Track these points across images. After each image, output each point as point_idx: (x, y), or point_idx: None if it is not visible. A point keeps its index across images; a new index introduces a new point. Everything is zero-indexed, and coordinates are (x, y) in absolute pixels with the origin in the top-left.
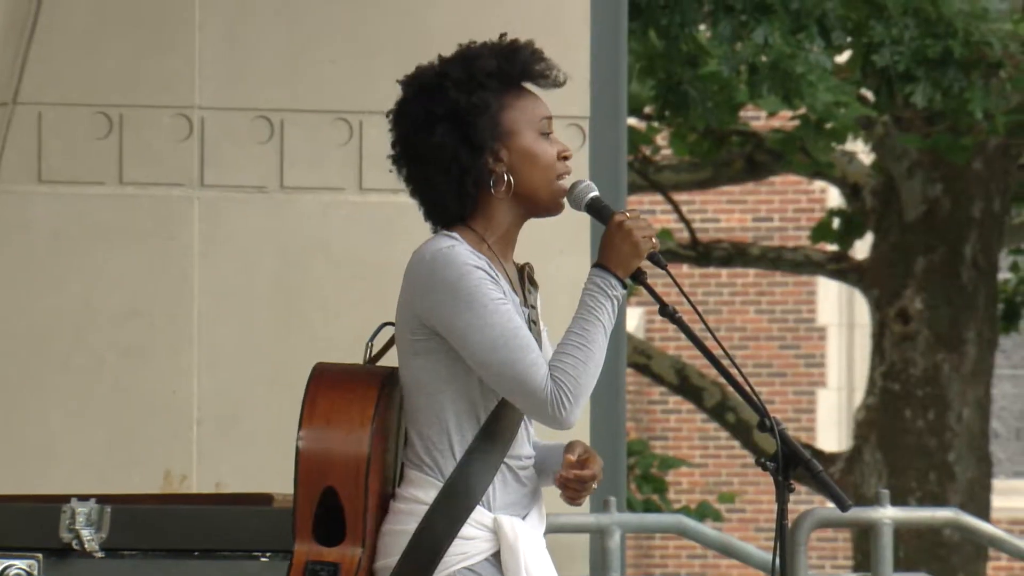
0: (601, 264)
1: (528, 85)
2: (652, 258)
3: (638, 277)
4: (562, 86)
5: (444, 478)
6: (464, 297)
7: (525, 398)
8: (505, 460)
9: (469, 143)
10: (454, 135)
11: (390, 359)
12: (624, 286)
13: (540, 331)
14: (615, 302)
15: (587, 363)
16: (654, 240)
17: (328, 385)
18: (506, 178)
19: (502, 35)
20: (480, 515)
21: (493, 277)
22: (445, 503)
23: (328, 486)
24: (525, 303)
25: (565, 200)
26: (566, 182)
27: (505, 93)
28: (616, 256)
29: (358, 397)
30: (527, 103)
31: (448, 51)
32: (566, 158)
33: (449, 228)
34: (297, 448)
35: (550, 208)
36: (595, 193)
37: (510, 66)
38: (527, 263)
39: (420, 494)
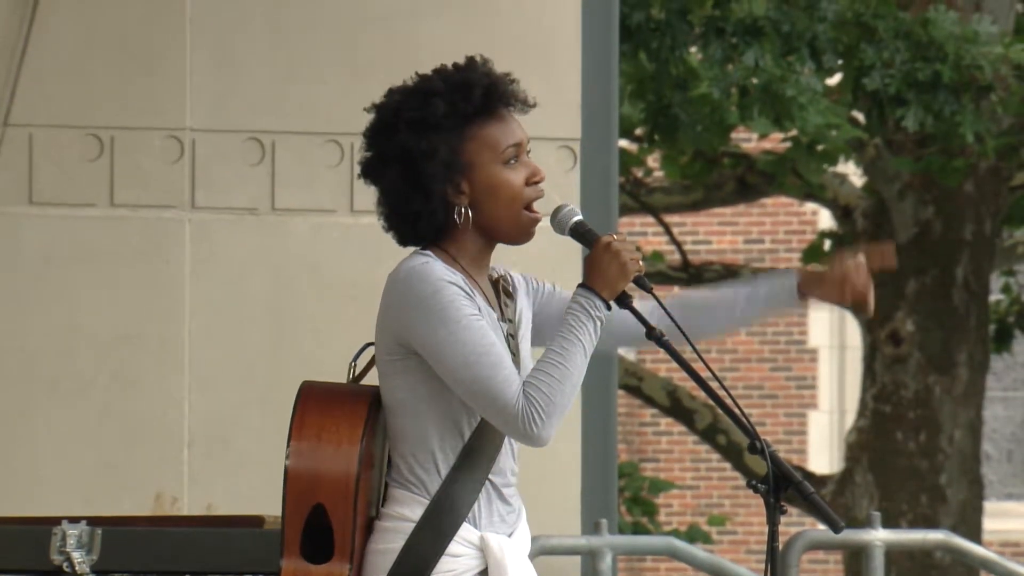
0: (587, 284)
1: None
2: (638, 281)
3: (623, 301)
4: (532, 107)
5: (430, 496)
6: (438, 313)
7: (497, 414)
8: (489, 477)
9: (420, 187)
10: (404, 178)
11: (373, 378)
12: (608, 307)
13: (519, 344)
14: (597, 323)
15: (563, 382)
16: (640, 263)
17: (316, 403)
18: (464, 211)
19: (468, 60)
20: (467, 532)
21: (468, 293)
22: (432, 520)
23: (317, 503)
24: (503, 317)
25: (535, 229)
26: (539, 206)
27: (466, 125)
28: (602, 277)
29: (346, 415)
30: (490, 132)
31: None
32: (536, 182)
33: (423, 247)
34: (286, 465)
35: (515, 238)
36: (579, 217)
37: (465, 103)
38: (501, 275)
39: (406, 511)
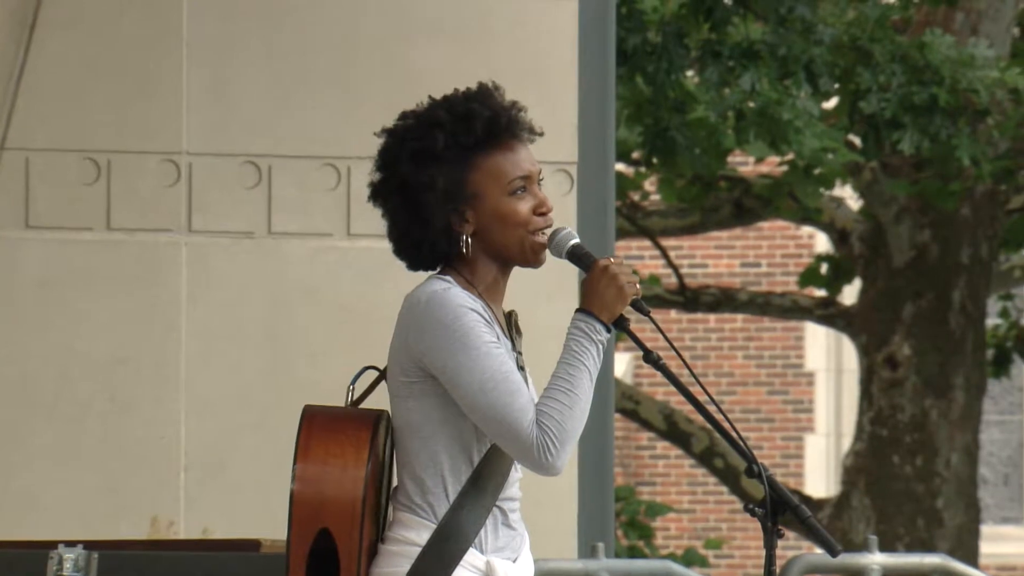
0: (585, 309)
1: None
2: (635, 305)
3: (621, 324)
4: (539, 135)
5: (437, 520)
6: (458, 338)
7: (512, 442)
8: (497, 503)
9: (419, 217)
10: (406, 207)
11: (372, 402)
12: (608, 331)
13: (527, 376)
14: (600, 347)
15: (573, 408)
16: (638, 287)
17: (321, 427)
18: (468, 240)
19: (478, 88)
20: (473, 557)
21: (487, 320)
22: (438, 545)
23: (323, 527)
24: (514, 348)
25: (546, 252)
26: (546, 233)
27: (470, 156)
28: (600, 301)
29: (351, 439)
30: (496, 163)
31: (437, 94)
32: (543, 213)
33: (442, 272)
34: (292, 489)
35: (527, 263)
36: (576, 240)
37: (467, 135)
38: (512, 310)
39: (412, 536)
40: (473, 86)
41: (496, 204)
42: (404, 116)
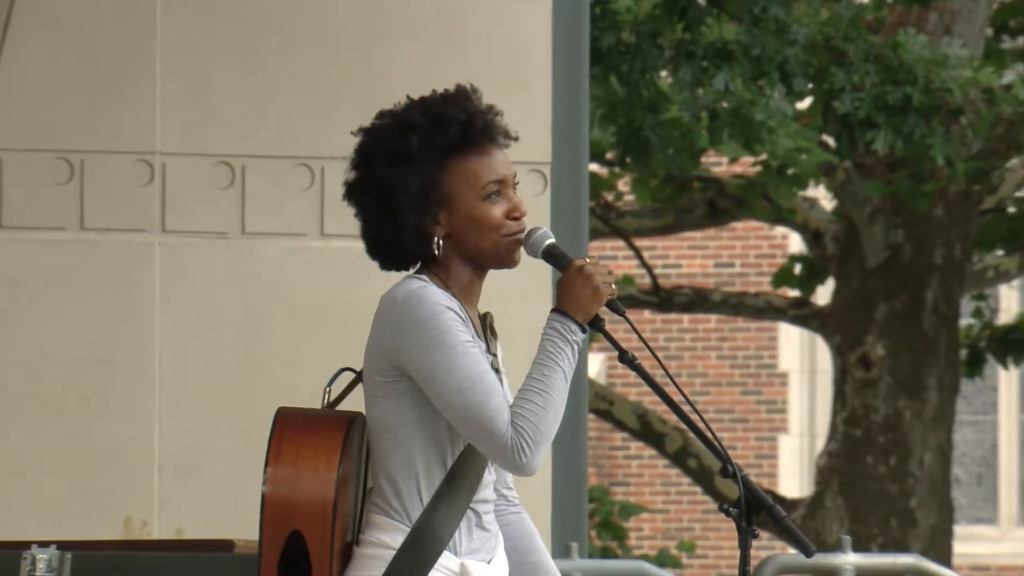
0: (560, 309)
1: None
2: (610, 305)
3: (596, 324)
4: (514, 139)
5: (411, 523)
6: (435, 337)
7: (487, 442)
8: (471, 505)
9: (390, 218)
10: (378, 208)
11: (348, 403)
12: (583, 331)
13: (502, 378)
14: (575, 347)
15: (547, 409)
16: (613, 287)
17: (293, 429)
18: (439, 242)
19: (456, 90)
20: (447, 560)
21: (463, 320)
22: (412, 548)
23: (294, 530)
24: (488, 350)
25: (520, 253)
26: (521, 236)
27: (444, 159)
28: (575, 301)
29: (324, 441)
30: (470, 167)
31: (413, 95)
32: (517, 218)
33: (418, 271)
34: (263, 492)
35: (501, 264)
36: (551, 240)
37: (441, 138)
38: (487, 312)
39: (387, 539)
40: (448, 87)
41: (470, 208)
42: (381, 115)
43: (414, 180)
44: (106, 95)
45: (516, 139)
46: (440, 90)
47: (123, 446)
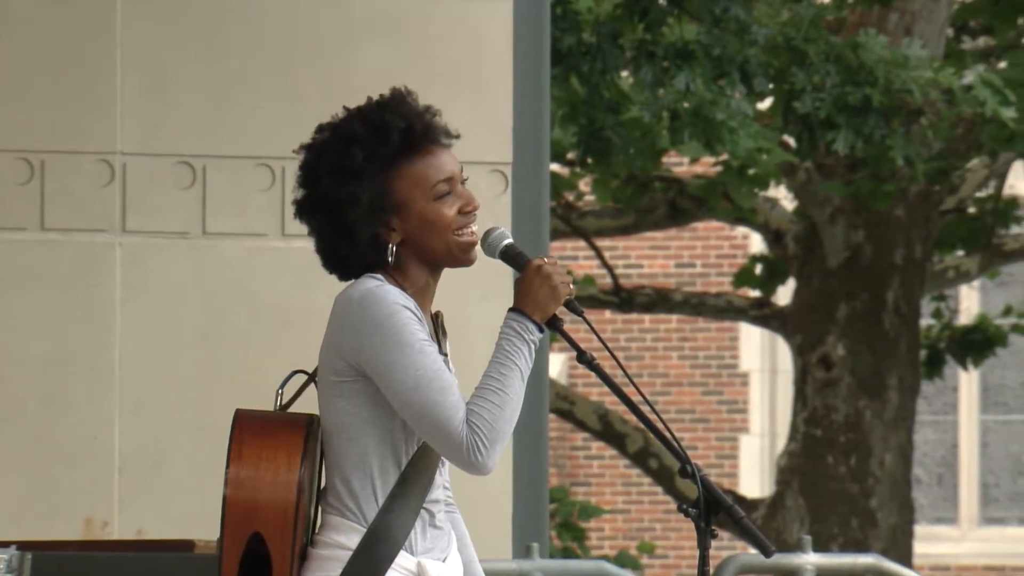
0: (518, 308)
1: None
2: (568, 305)
3: (555, 324)
4: (456, 137)
5: (367, 523)
6: (392, 335)
7: (442, 441)
8: (424, 505)
9: (344, 232)
10: (331, 223)
11: (301, 405)
12: (541, 330)
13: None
14: (532, 346)
15: (503, 408)
16: (571, 286)
17: (252, 431)
18: (392, 248)
19: (392, 94)
20: (404, 560)
21: (419, 319)
22: (369, 548)
23: (255, 532)
24: (440, 350)
25: (476, 250)
26: (476, 231)
27: (390, 167)
28: (533, 300)
29: (283, 443)
30: (418, 170)
31: (374, 95)
32: (468, 212)
33: (374, 271)
34: (224, 494)
35: (457, 263)
36: (509, 240)
37: (385, 146)
38: (438, 311)
39: (343, 539)
40: (410, 87)
41: (422, 211)
42: (321, 129)
43: (364, 193)
44: (66, 95)
45: (457, 137)
46: (377, 97)
47: (83, 446)
